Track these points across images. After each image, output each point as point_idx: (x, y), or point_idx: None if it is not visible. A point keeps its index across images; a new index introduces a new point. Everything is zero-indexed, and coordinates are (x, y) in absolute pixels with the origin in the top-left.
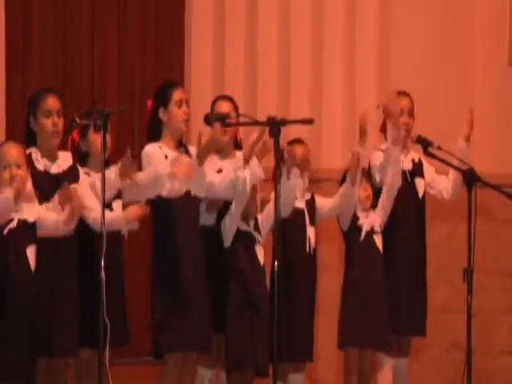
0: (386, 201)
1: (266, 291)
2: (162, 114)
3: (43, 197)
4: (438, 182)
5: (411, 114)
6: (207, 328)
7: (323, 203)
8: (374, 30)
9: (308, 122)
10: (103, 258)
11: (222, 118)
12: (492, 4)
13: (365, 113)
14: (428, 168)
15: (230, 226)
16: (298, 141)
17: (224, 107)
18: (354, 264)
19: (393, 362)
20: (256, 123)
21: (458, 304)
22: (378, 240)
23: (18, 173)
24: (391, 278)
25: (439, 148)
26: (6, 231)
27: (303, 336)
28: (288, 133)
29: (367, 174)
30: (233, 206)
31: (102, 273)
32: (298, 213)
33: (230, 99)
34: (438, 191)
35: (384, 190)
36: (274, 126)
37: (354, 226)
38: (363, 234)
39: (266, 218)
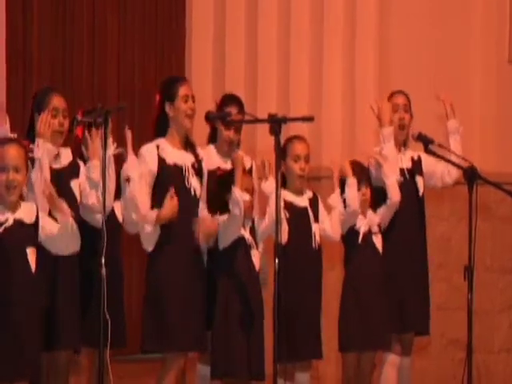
0: (385, 213)
1: (260, 295)
2: (168, 109)
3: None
4: (439, 167)
5: (406, 109)
6: (201, 327)
7: (323, 217)
8: (373, 28)
9: (308, 119)
10: (103, 256)
11: (223, 116)
12: (492, 1)
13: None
14: (426, 159)
15: (227, 236)
16: (297, 137)
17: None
18: (353, 265)
19: (395, 357)
20: (257, 121)
21: (457, 301)
22: (377, 240)
23: (16, 178)
24: (393, 277)
25: (440, 145)
26: (1, 230)
27: (310, 333)
28: (288, 130)
29: (367, 176)
30: (226, 221)
31: (103, 270)
32: (302, 211)
33: (237, 100)
34: (438, 178)
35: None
36: (275, 123)
37: (352, 229)
38: (361, 236)
39: (264, 228)
